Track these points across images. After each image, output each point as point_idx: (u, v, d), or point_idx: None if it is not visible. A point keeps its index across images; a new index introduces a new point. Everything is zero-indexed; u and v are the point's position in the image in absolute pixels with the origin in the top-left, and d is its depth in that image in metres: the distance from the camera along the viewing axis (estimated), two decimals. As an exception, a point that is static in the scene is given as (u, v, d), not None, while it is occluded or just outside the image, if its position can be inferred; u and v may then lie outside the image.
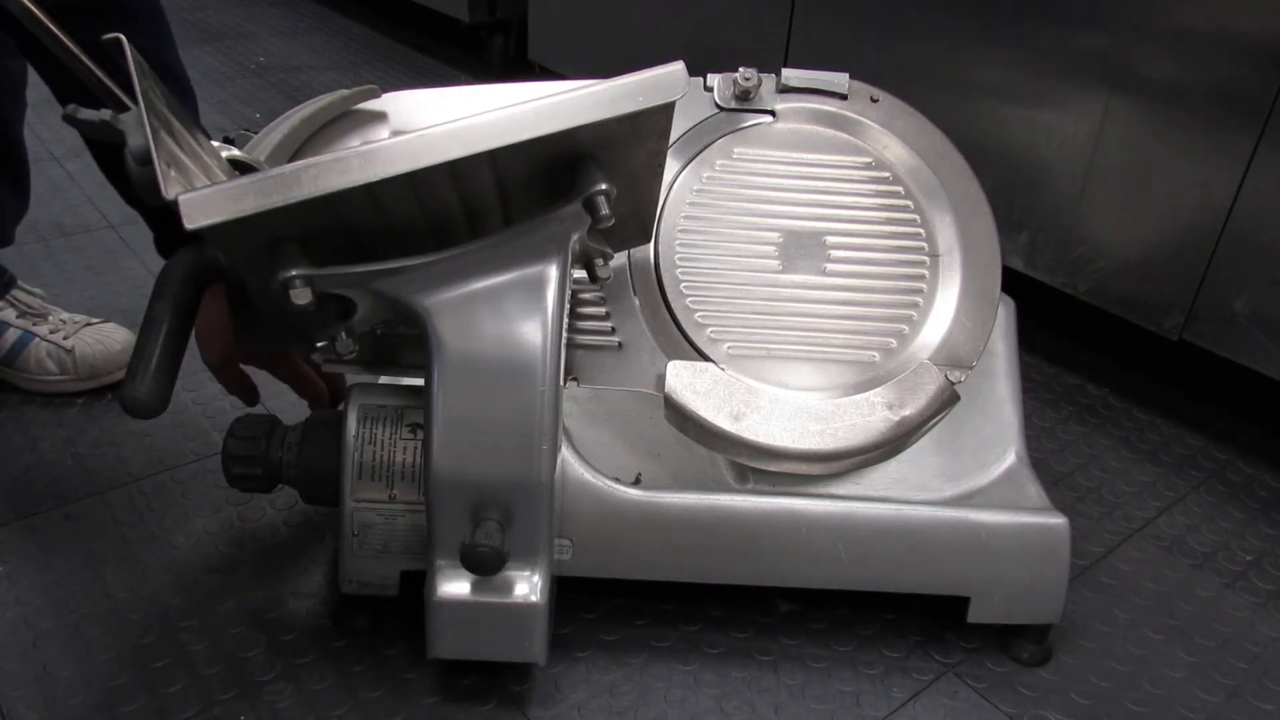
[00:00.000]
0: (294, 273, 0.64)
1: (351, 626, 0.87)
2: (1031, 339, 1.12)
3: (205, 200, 0.60)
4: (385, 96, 0.93)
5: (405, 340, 0.80)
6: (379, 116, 0.91)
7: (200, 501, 1.01)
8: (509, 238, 0.69)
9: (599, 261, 0.75)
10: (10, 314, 1.10)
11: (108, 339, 1.10)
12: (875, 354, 0.87)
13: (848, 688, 0.85)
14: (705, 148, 0.91)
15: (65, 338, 1.08)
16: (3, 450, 1.06)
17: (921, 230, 0.90)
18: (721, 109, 0.93)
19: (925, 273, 0.89)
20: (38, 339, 1.08)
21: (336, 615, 0.88)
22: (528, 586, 0.74)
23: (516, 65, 2.09)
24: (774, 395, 0.83)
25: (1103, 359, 1.33)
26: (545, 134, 0.63)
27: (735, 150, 0.91)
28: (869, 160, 0.92)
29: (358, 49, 2.31)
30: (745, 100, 0.93)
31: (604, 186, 0.67)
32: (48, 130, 1.64)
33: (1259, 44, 1.02)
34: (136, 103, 0.66)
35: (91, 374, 1.09)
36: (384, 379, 0.87)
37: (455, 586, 0.74)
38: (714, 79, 0.93)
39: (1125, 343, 1.30)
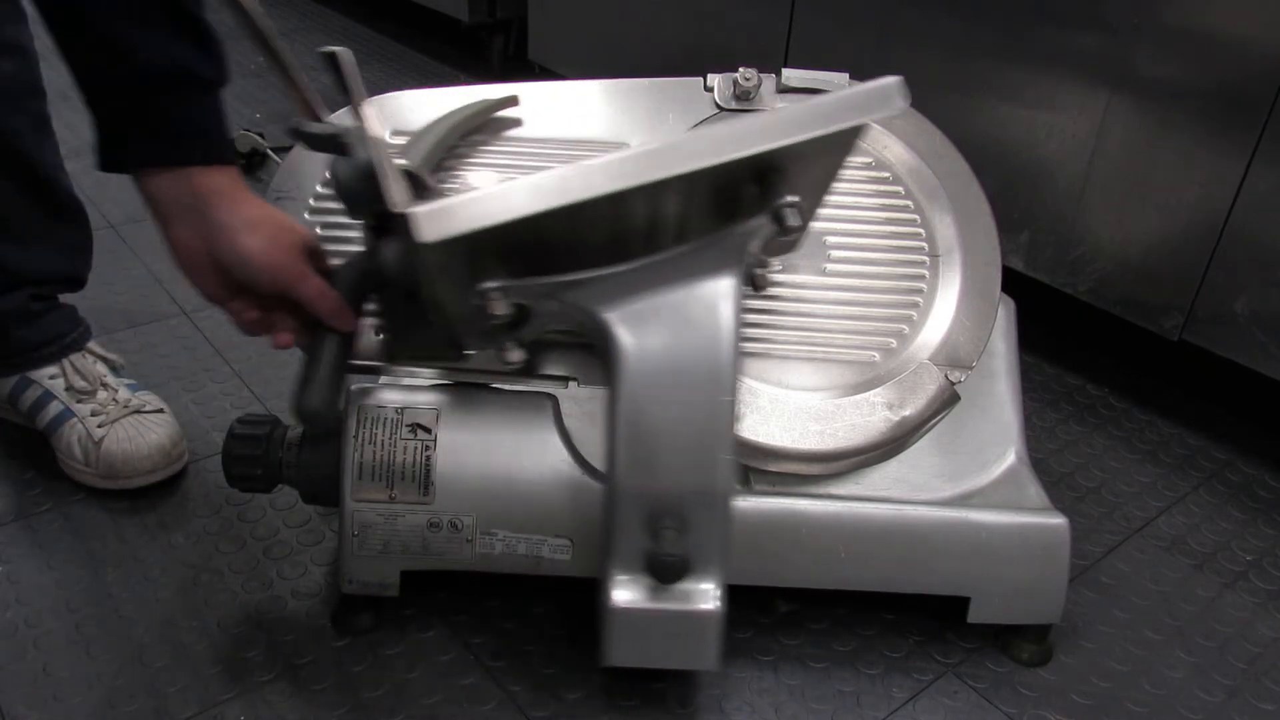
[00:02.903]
0: (495, 284, 0.66)
1: (351, 626, 0.87)
2: (1031, 339, 1.12)
3: (442, 214, 0.61)
4: (384, 97, 0.93)
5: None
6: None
7: (200, 501, 1.00)
8: (694, 249, 0.70)
9: (760, 271, 0.75)
10: (60, 384, 1.03)
11: (142, 436, 1.00)
12: (875, 354, 0.87)
13: (848, 688, 0.85)
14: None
15: (100, 424, 1.01)
16: (3, 450, 1.06)
17: (921, 230, 0.90)
18: (722, 109, 0.93)
19: (925, 273, 0.89)
20: (75, 419, 1.01)
21: (336, 615, 0.88)
22: (707, 594, 0.75)
23: (516, 65, 2.09)
24: (774, 395, 0.83)
25: (1102, 359, 1.33)
26: (776, 147, 0.64)
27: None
28: (869, 160, 0.92)
29: (358, 49, 2.31)
30: (745, 100, 0.93)
31: (795, 199, 0.67)
32: (47, 130, 1.64)
33: (1259, 44, 1.02)
34: (359, 116, 0.68)
35: (110, 474, 0.99)
36: (384, 379, 0.87)
37: (635, 595, 0.75)
38: (714, 79, 0.93)
39: (1125, 343, 1.30)
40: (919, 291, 0.88)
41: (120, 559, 0.94)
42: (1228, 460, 1.16)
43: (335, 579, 0.89)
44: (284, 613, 0.89)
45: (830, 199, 0.89)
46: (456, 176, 0.89)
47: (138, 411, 1.02)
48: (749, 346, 0.85)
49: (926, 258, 0.89)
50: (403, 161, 0.76)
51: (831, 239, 0.88)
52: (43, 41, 0.99)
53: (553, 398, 0.83)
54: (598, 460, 0.83)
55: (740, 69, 0.92)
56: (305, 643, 0.86)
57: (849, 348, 0.87)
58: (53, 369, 1.03)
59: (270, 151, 1.64)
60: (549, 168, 0.91)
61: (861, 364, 0.86)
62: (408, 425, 0.80)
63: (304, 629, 0.88)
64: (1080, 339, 1.36)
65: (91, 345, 1.06)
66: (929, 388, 0.86)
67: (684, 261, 0.70)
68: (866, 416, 0.85)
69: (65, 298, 1.06)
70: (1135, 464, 1.15)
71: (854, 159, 0.92)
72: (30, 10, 0.96)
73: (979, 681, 0.87)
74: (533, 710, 0.82)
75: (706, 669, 0.80)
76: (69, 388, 1.02)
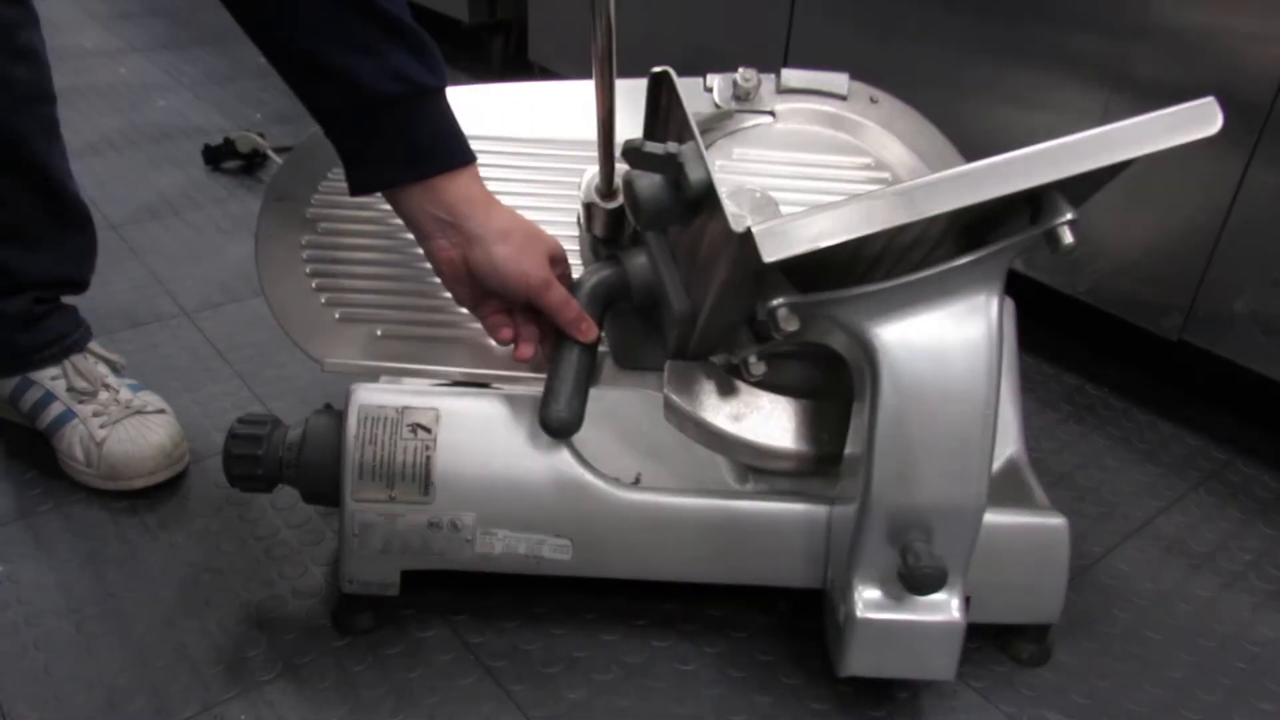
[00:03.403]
0: (784, 300, 0.67)
1: (351, 626, 0.87)
2: (1031, 339, 1.12)
3: (781, 235, 0.63)
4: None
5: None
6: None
7: (201, 501, 1.01)
8: (964, 265, 0.70)
9: None
10: (61, 385, 1.03)
11: (144, 436, 1.00)
12: (875, 354, 0.87)
13: (847, 688, 0.85)
14: (706, 149, 0.91)
15: (102, 425, 1.01)
16: (3, 450, 1.06)
17: (921, 230, 0.90)
18: (721, 109, 0.93)
19: (925, 273, 0.89)
20: (77, 420, 1.01)
21: (336, 615, 0.88)
22: (950, 605, 0.76)
23: (516, 65, 2.09)
24: (774, 396, 0.83)
25: (1102, 359, 1.33)
26: (1103, 165, 0.65)
27: (735, 151, 0.91)
28: (869, 161, 0.92)
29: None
30: (745, 101, 0.93)
31: (1073, 216, 0.67)
32: (48, 130, 1.64)
33: (1258, 44, 1.02)
34: (693, 135, 0.70)
35: (110, 475, 0.99)
36: (383, 379, 0.87)
37: (881, 605, 0.76)
38: (714, 79, 0.93)
39: (1125, 343, 1.30)
40: (919, 292, 0.88)
41: (121, 559, 0.94)
42: (1227, 460, 1.16)
43: (335, 579, 0.90)
44: (284, 612, 0.89)
45: (830, 199, 0.89)
46: None
47: (139, 412, 1.02)
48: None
49: (927, 258, 0.89)
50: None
51: (832, 239, 0.88)
52: (51, 45, 0.99)
53: (553, 398, 0.83)
54: (598, 460, 0.83)
55: (740, 69, 0.92)
56: (305, 642, 0.86)
57: (849, 348, 0.87)
58: (54, 370, 1.03)
59: (270, 152, 1.64)
60: (548, 168, 0.91)
61: (862, 364, 0.86)
62: (408, 425, 0.80)
63: (304, 629, 0.88)
64: (1080, 339, 1.36)
65: (92, 346, 1.06)
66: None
67: (949, 278, 0.70)
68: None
69: (66, 299, 1.06)
70: (1135, 464, 1.15)
71: (854, 159, 0.92)
72: (41, 13, 0.96)
73: (978, 681, 0.87)
74: (533, 710, 0.82)
75: (945, 679, 0.82)
76: (70, 388, 1.02)
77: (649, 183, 0.72)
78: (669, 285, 0.78)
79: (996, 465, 0.88)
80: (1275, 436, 1.20)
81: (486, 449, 0.81)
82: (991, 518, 0.84)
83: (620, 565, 0.84)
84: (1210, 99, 0.66)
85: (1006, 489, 0.87)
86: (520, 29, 2.02)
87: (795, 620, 0.91)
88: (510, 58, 2.15)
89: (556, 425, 0.78)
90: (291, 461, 0.84)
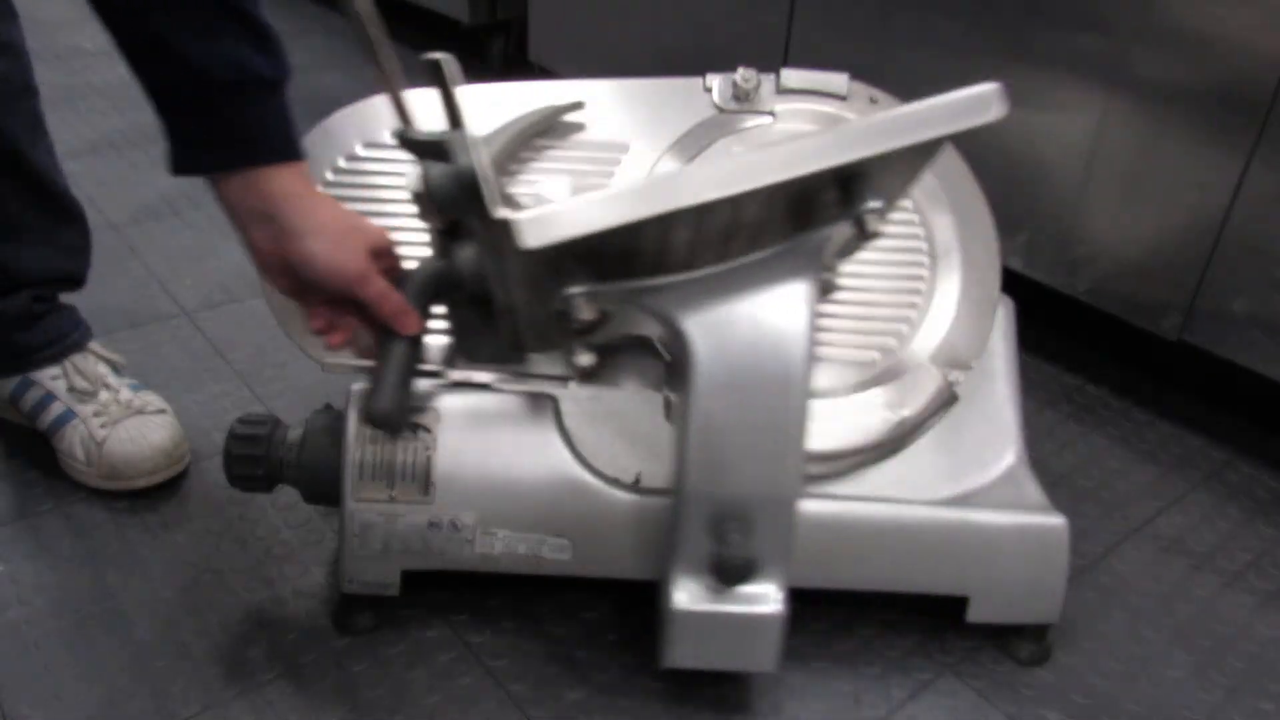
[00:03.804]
0: (581, 289, 0.67)
1: (352, 626, 0.87)
2: (1031, 339, 1.12)
3: (545, 221, 0.62)
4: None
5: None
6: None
7: (201, 501, 1.01)
8: (773, 255, 0.70)
9: (827, 276, 0.76)
10: (61, 385, 1.03)
11: (144, 436, 1.00)
12: (875, 354, 0.87)
13: (848, 688, 0.85)
14: (704, 149, 0.91)
15: (103, 425, 1.00)
16: (4, 450, 1.06)
17: (921, 230, 0.90)
18: (721, 110, 0.93)
19: (925, 273, 0.89)
20: (78, 419, 1.01)
21: (336, 615, 0.88)
22: (769, 597, 0.76)
23: (516, 65, 2.09)
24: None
25: (1102, 359, 1.33)
26: (870, 155, 0.64)
27: (735, 151, 0.91)
28: (868, 161, 0.92)
29: (358, 49, 2.31)
30: (744, 101, 0.93)
31: (878, 204, 0.67)
32: (48, 130, 1.64)
33: (1258, 44, 1.02)
34: (459, 123, 0.69)
35: (112, 475, 0.99)
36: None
37: (697, 597, 0.76)
38: (713, 79, 0.93)
39: (1125, 343, 1.30)
40: (919, 291, 0.88)
41: (121, 559, 0.94)
42: (1227, 460, 1.16)
43: (335, 579, 0.90)
44: (284, 612, 0.89)
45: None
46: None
47: (140, 412, 1.02)
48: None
49: (926, 258, 0.89)
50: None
51: (831, 239, 0.89)
52: (34, 40, 0.99)
53: (553, 398, 0.84)
54: (598, 460, 0.83)
55: (740, 69, 0.92)
56: (305, 642, 0.86)
57: (849, 348, 0.87)
58: (54, 370, 1.03)
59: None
60: (549, 168, 0.91)
61: (861, 364, 0.86)
62: (408, 425, 0.80)
63: (304, 629, 0.88)
64: (1079, 339, 1.36)
65: (92, 346, 1.06)
66: (928, 388, 0.86)
67: (762, 267, 0.70)
68: (866, 416, 0.85)
69: (65, 298, 1.06)
70: (1134, 463, 1.15)
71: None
72: (20, 8, 0.96)
73: (978, 681, 0.87)
74: (533, 710, 0.82)
75: (766, 671, 0.81)
76: (70, 388, 1.02)
77: (439, 172, 0.70)
78: (491, 277, 0.76)
79: (997, 466, 0.88)
80: (1275, 436, 1.20)
81: (486, 449, 0.81)
82: (991, 518, 0.84)
83: (620, 565, 0.84)
84: (995, 85, 0.66)
85: (1006, 489, 0.87)
86: (520, 29, 2.02)
87: (795, 620, 0.91)
88: (510, 58, 2.15)
89: (378, 417, 0.76)
90: (292, 461, 0.84)
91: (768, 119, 0.93)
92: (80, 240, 1.06)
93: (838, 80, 0.93)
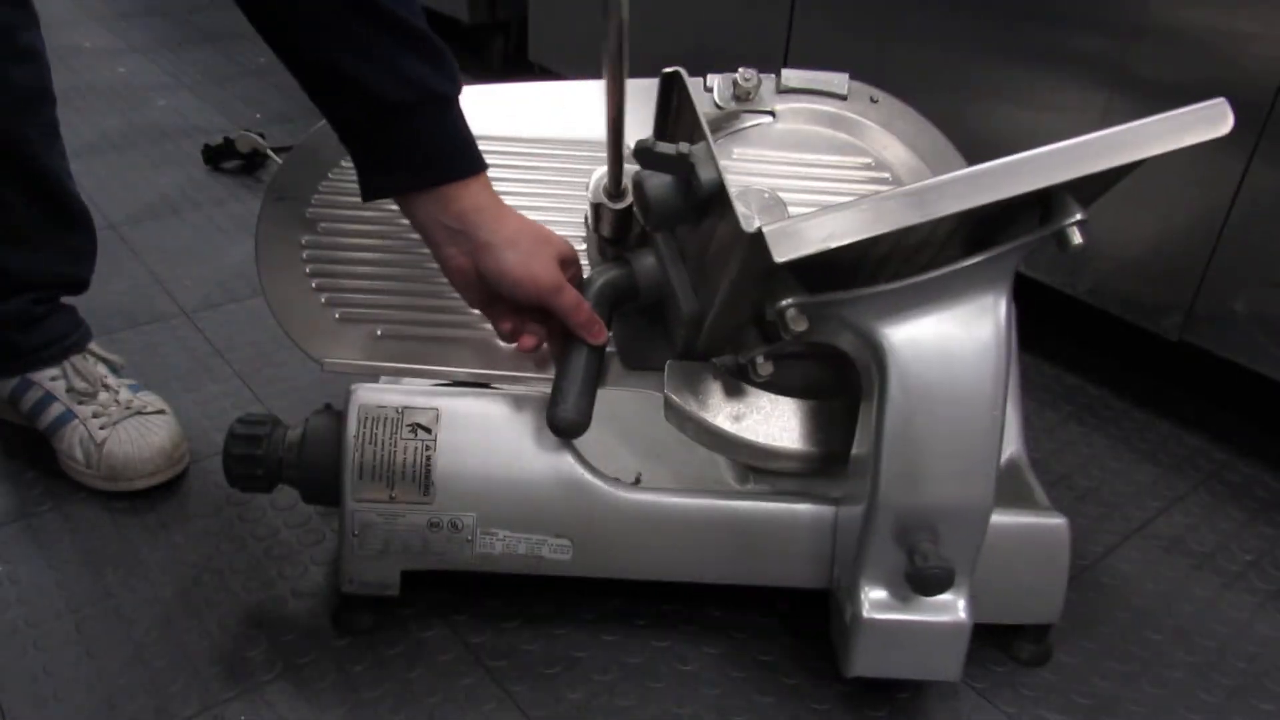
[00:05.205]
0: (794, 300, 0.68)
1: (351, 626, 0.87)
2: (1031, 339, 1.12)
3: (793, 234, 0.64)
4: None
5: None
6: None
7: (201, 501, 1.01)
8: (973, 265, 0.70)
9: None
10: (60, 385, 1.03)
11: (145, 437, 1.00)
12: (875, 354, 0.87)
13: (847, 688, 0.85)
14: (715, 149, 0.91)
15: (103, 426, 1.00)
16: (3, 450, 1.06)
17: (922, 230, 0.90)
18: (721, 109, 0.93)
19: (926, 273, 0.89)
20: (77, 421, 1.01)
21: (336, 615, 0.88)
22: (956, 606, 0.76)
23: (516, 65, 2.09)
24: (774, 396, 0.83)
25: (1103, 359, 1.33)
26: (1114, 165, 0.65)
27: (735, 151, 0.91)
28: (869, 161, 0.92)
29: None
30: (745, 101, 0.93)
31: (1082, 217, 0.67)
32: (48, 130, 1.64)
33: (1258, 44, 1.02)
34: (705, 136, 0.70)
35: (111, 476, 0.99)
36: (383, 379, 0.87)
37: (887, 606, 0.76)
38: (714, 79, 0.93)
39: (1125, 343, 1.30)
40: (919, 292, 0.88)
41: (121, 559, 0.94)
42: (1227, 460, 1.16)
43: (335, 579, 0.90)
44: (284, 612, 0.89)
45: (830, 199, 0.89)
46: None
47: (139, 413, 1.02)
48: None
49: (927, 258, 0.89)
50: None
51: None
52: (51, 45, 0.99)
53: (553, 398, 0.83)
54: (598, 460, 0.83)
55: (740, 69, 0.92)
56: (305, 643, 0.86)
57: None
58: (54, 370, 1.03)
59: (270, 152, 1.64)
60: (549, 167, 0.91)
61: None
62: (408, 425, 0.80)
63: (304, 629, 0.88)
64: (1080, 339, 1.36)
65: (92, 346, 1.06)
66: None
67: (958, 279, 0.70)
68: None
69: (66, 299, 1.06)
70: (1135, 464, 1.15)
71: (854, 159, 0.92)
72: (41, 12, 0.96)
73: (979, 681, 0.87)
74: (533, 710, 0.82)
75: (950, 680, 0.82)
76: (70, 389, 1.02)
77: (659, 183, 0.72)
78: (677, 285, 0.78)
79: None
80: (1275, 436, 1.20)
81: (486, 449, 0.81)
82: (992, 518, 0.84)
83: (620, 565, 0.84)
84: (1222, 100, 0.66)
85: (1007, 489, 0.87)
86: (520, 29, 2.02)
87: (795, 620, 0.91)
88: (510, 58, 2.15)
89: (564, 426, 0.78)
90: (291, 461, 0.84)
91: (768, 119, 0.93)
92: (87, 245, 1.07)
93: (838, 80, 0.93)
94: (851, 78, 0.94)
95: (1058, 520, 0.84)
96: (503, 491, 0.81)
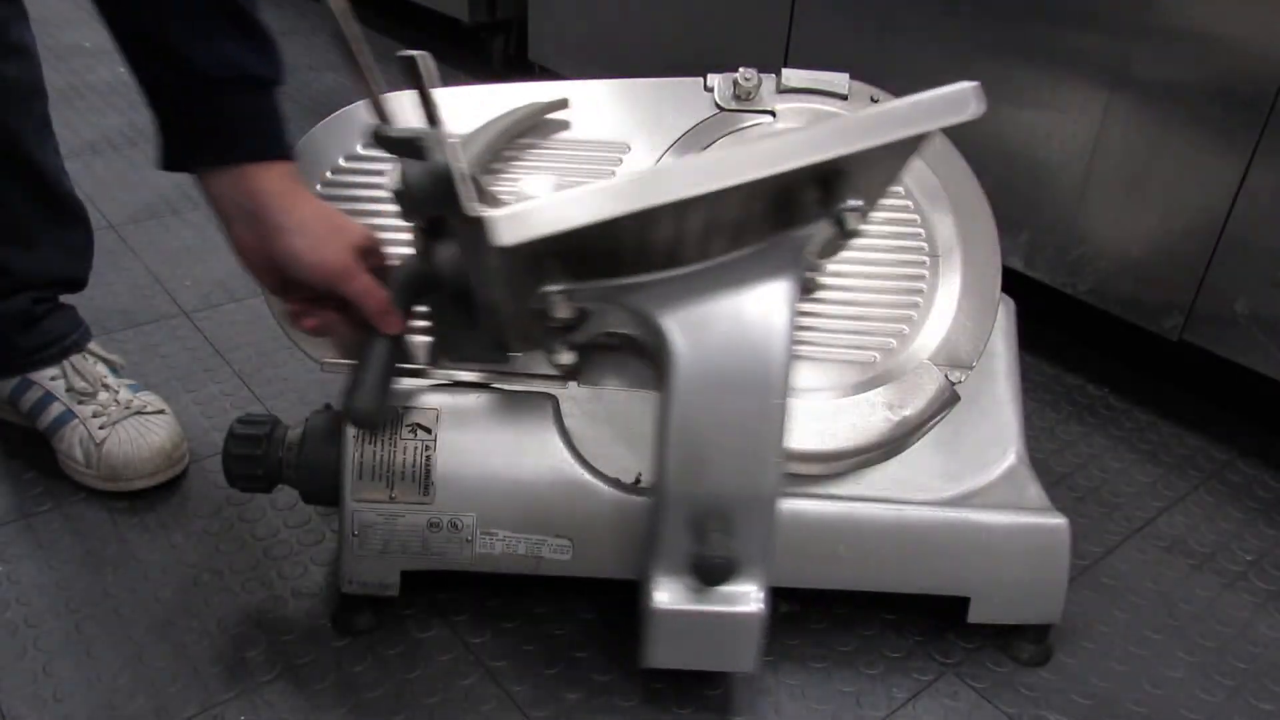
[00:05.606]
0: (558, 288, 0.67)
1: (351, 626, 0.87)
2: (1031, 339, 1.12)
3: (520, 218, 0.62)
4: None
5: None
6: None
7: (200, 501, 1.00)
8: (753, 253, 0.70)
9: (810, 275, 0.75)
10: (60, 385, 1.03)
11: (144, 437, 1.00)
12: (875, 354, 0.87)
13: (848, 688, 0.85)
14: (705, 148, 0.91)
15: (102, 426, 1.00)
16: (3, 450, 1.06)
17: (921, 230, 0.90)
18: (721, 109, 0.93)
19: (925, 273, 0.89)
20: (77, 421, 1.01)
21: (336, 615, 0.88)
22: (749, 597, 0.75)
23: (516, 65, 2.09)
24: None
25: (1103, 359, 1.33)
26: (849, 152, 0.64)
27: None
28: (868, 160, 0.92)
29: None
30: (745, 101, 0.93)
31: (858, 203, 0.67)
32: (48, 130, 1.64)
33: (1259, 44, 1.02)
34: (436, 121, 0.68)
35: (111, 476, 0.99)
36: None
37: (678, 596, 0.75)
38: (714, 79, 0.93)
39: (1125, 343, 1.30)
40: (919, 291, 0.88)
41: (120, 559, 0.94)
42: (1228, 460, 1.16)
43: (335, 579, 0.89)
44: (284, 613, 0.89)
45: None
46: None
47: (139, 413, 1.02)
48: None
49: (926, 258, 0.89)
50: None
51: (831, 239, 0.88)
52: (42, 43, 0.99)
53: (553, 398, 0.83)
54: (598, 460, 0.83)
55: (740, 69, 0.92)
56: (305, 643, 0.86)
57: (849, 348, 0.87)
58: (53, 370, 1.03)
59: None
60: (549, 167, 0.91)
61: (861, 364, 0.86)
62: (408, 425, 0.80)
63: (304, 629, 0.88)
64: (1080, 339, 1.36)
65: (92, 346, 1.06)
66: (929, 388, 0.86)
67: (742, 266, 0.70)
68: (866, 417, 0.85)
69: (65, 298, 1.06)
70: (1135, 464, 1.15)
71: (853, 159, 0.92)
72: (31, 10, 0.96)
73: (979, 681, 0.87)
74: (533, 710, 0.82)
75: (745, 671, 0.81)
76: (70, 389, 1.02)
77: (416, 169, 0.70)
78: (473, 275, 0.76)
79: (998, 466, 0.88)
80: (1275, 436, 1.20)
81: (486, 449, 0.81)
82: (992, 518, 0.84)
83: (620, 565, 0.84)
84: (973, 84, 0.66)
85: (1007, 489, 0.87)
86: (520, 29, 2.02)
87: (795, 620, 0.91)
88: (510, 58, 2.15)
89: (357, 415, 0.76)
90: (291, 461, 0.84)
91: (768, 119, 0.93)
92: (84, 243, 1.06)
93: (839, 80, 0.93)
94: (852, 78, 0.94)
95: (1058, 520, 0.84)
96: (502, 491, 0.81)
